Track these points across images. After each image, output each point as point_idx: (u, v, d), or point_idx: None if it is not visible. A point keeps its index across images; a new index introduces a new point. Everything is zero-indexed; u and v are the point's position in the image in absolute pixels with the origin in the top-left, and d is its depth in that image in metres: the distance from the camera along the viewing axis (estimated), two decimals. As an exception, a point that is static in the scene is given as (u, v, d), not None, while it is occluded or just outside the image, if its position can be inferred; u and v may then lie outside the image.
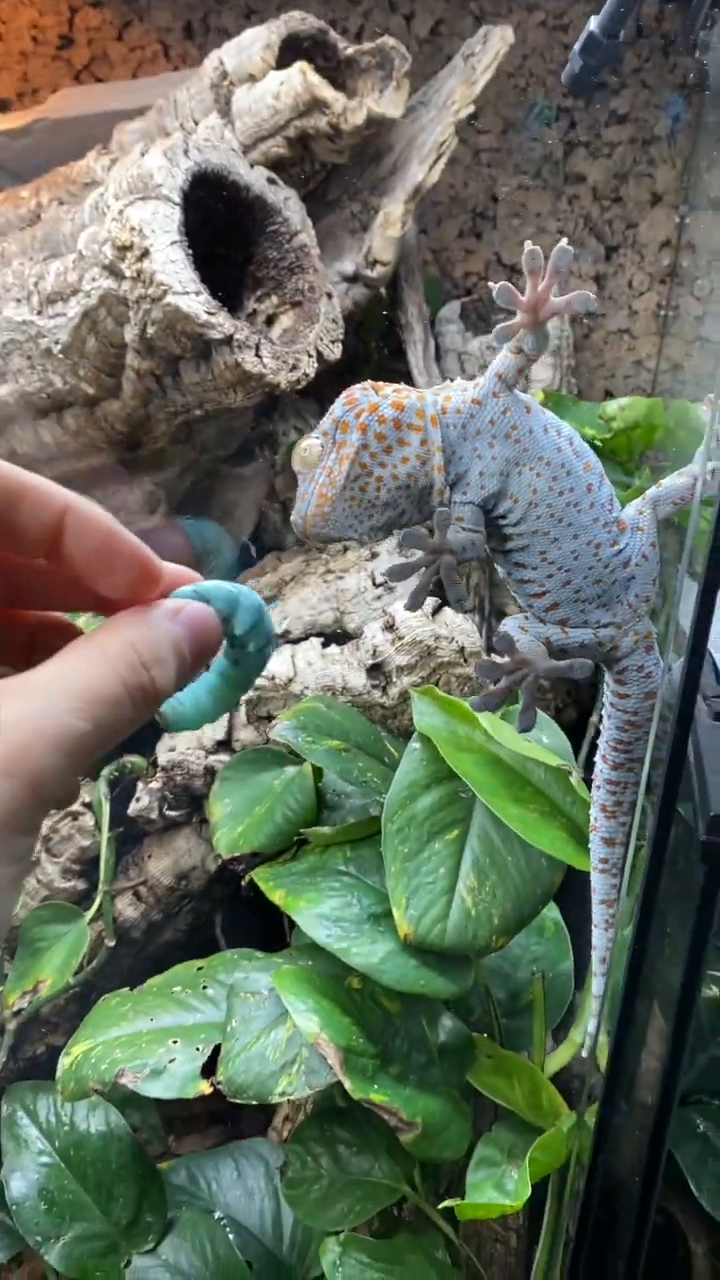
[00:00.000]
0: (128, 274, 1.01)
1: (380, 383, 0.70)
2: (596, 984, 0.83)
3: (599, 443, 1.20)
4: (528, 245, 0.61)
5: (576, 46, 1.03)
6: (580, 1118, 0.99)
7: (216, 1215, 1.15)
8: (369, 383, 0.69)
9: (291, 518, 0.67)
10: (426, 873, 0.94)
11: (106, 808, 1.17)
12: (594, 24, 1.01)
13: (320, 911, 0.95)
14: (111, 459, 1.27)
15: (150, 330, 1.02)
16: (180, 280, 0.99)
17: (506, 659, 0.69)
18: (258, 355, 1.04)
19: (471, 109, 1.22)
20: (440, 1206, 0.89)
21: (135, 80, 1.48)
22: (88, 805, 1.18)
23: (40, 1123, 1.16)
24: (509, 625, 0.71)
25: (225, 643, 0.44)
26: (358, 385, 0.69)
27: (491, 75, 1.24)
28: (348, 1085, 0.89)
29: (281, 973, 0.96)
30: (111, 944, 1.18)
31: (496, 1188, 0.93)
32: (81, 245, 1.06)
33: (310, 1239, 1.16)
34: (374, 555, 1.22)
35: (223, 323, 1.01)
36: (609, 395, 1.39)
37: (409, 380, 1.34)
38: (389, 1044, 0.96)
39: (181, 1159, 1.21)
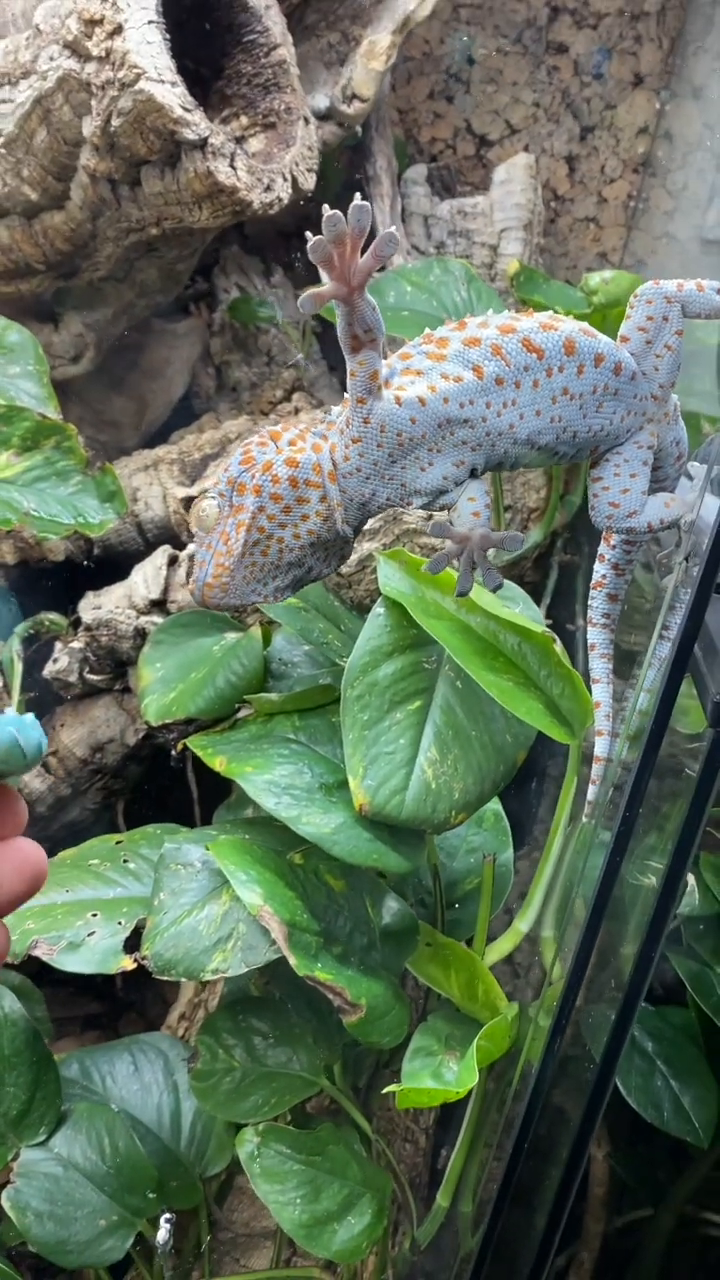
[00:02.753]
0: (94, 53, 0.88)
1: (278, 429, 0.67)
2: (599, 745, 0.83)
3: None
4: (326, 210, 0.59)
5: None
6: (523, 1010, 0.95)
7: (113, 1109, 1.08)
8: (266, 431, 0.67)
9: (189, 585, 0.65)
10: (386, 742, 0.88)
11: (19, 668, 1.06)
12: None
13: (270, 778, 0.88)
14: (42, 286, 1.14)
15: (115, 123, 0.90)
16: (156, 66, 0.87)
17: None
18: (232, 167, 0.93)
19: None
20: (385, 1090, 0.84)
21: None
22: (-4, 664, 1.07)
23: None
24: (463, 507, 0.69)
25: None
26: (255, 438, 0.67)
27: None
28: (292, 961, 0.82)
29: (220, 843, 0.88)
30: (14, 817, 1.08)
31: (434, 1077, 0.88)
32: (39, 19, 0.93)
33: (210, 1135, 1.10)
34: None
35: (199, 122, 0.90)
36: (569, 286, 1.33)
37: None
38: (331, 923, 0.90)
39: (73, 1053, 1.13)
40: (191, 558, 1.01)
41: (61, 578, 1.17)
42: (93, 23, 0.88)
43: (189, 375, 1.38)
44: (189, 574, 1.02)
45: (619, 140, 1.37)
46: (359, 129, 1.19)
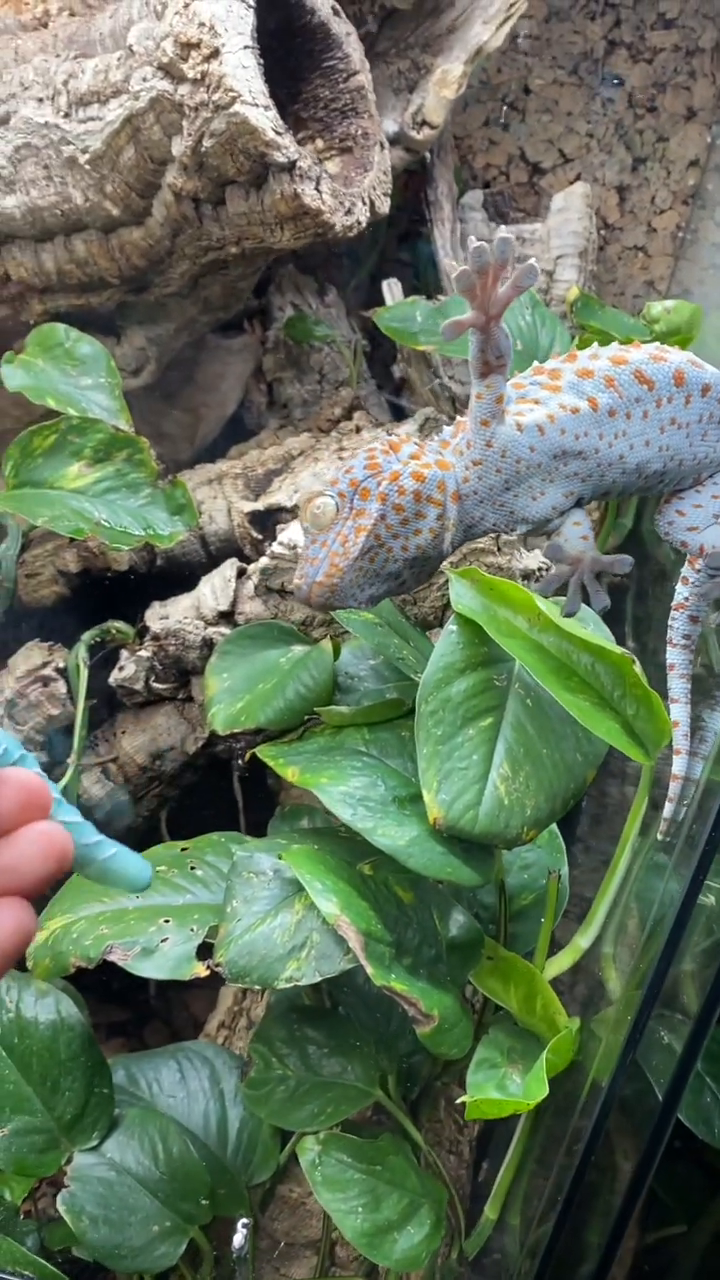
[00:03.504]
0: (189, 76, 0.90)
1: (396, 439, 0.70)
2: (678, 763, 0.85)
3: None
4: (472, 241, 0.60)
5: None
6: (584, 1024, 0.96)
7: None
8: (386, 440, 0.70)
9: (295, 580, 0.67)
10: (459, 758, 0.89)
11: (84, 674, 1.07)
12: None
13: (346, 790, 0.89)
14: (111, 300, 1.16)
15: (206, 144, 0.92)
16: (251, 90, 0.89)
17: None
18: (317, 190, 0.95)
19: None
20: (459, 1101, 0.85)
21: None
22: (61, 671, 1.08)
23: (-20, 1007, 1.06)
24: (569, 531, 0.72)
25: None
26: (378, 443, 0.69)
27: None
28: (370, 971, 0.83)
29: (294, 852, 0.89)
30: (73, 822, 1.09)
31: (499, 1089, 0.89)
32: (133, 41, 0.95)
33: (257, 1144, 1.11)
34: (391, 432, 1.15)
35: (288, 145, 0.92)
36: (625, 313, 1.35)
37: (433, 263, 1.26)
38: (402, 934, 0.91)
39: (119, 1059, 1.14)
40: (262, 570, 1.03)
41: (121, 587, 1.18)
42: (190, 46, 0.90)
43: (242, 390, 1.40)
44: (260, 576, 1.04)
45: (670, 172, 1.40)
46: (430, 154, 1.21)
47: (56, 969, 0.92)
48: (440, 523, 0.65)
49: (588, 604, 0.72)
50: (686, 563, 0.82)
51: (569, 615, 0.71)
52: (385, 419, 1.36)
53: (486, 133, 1.41)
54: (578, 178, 1.41)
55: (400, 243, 1.42)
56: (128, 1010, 1.58)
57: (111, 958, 0.90)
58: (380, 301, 1.33)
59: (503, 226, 1.32)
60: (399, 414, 1.40)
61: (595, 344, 0.72)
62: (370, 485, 0.65)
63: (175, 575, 1.16)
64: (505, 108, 1.40)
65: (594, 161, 1.41)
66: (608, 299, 1.44)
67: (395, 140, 1.17)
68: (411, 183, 1.35)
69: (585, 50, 1.36)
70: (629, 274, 1.44)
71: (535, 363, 0.70)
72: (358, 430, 1.17)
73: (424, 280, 1.40)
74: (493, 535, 1.03)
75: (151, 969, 0.90)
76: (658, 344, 0.71)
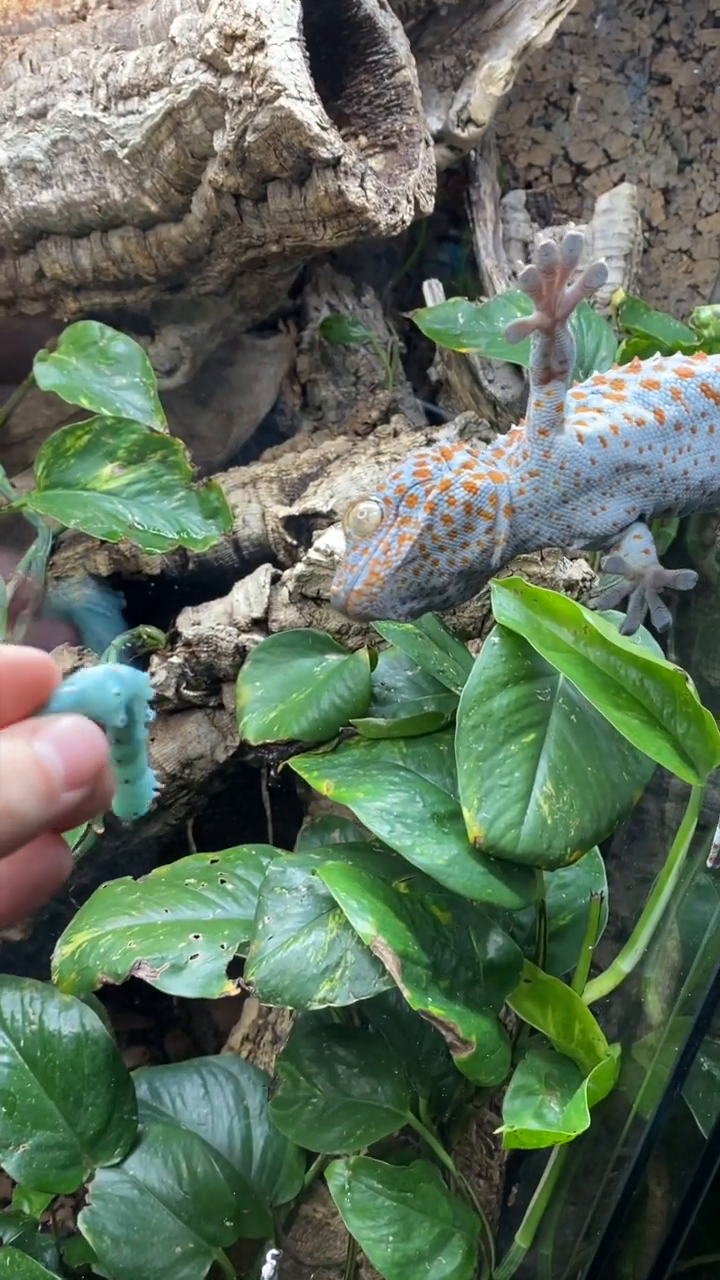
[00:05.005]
0: (233, 69, 0.88)
1: (449, 448, 0.67)
2: None
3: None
4: (540, 239, 0.57)
5: None
6: (626, 1051, 0.93)
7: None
8: (438, 448, 0.67)
9: (332, 587, 0.64)
10: (501, 775, 0.86)
11: (115, 680, 1.05)
12: None
13: (383, 805, 0.86)
14: (146, 299, 1.14)
15: (249, 139, 0.89)
16: (296, 83, 0.87)
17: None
18: (362, 187, 0.93)
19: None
20: (497, 1131, 0.82)
21: None
22: (91, 676, 1.06)
23: (3, 1019, 1.04)
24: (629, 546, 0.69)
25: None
26: (429, 451, 0.66)
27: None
28: (406, 995, 0.80)
29: (329, 868, 0.86)
30: (100, 831, 1.07)
31: (536, 1117, 0.86)
32: (175, 33, 0.93)
33: (281, 1163, 1.08)
34: (430, 441, 1.13)
35: (334, 140, 0.89)
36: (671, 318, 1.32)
37: (474, 265, 1.24)
38: (438, 956, 0.88)
39: (142, 1072, 1.11)
40: (297, 577, 1.00)
41: (152, 590, 1.16)
42: (234, 38, 0.87)
43: (276, 391, 1.38)
44: (295, 583, 1.01)
45: (717, 174, 1.37)
46: (474, 152, 1.19)
47: (83, 984, 0.90)
48: (490, 537, 0.62)
49: (648, 621, 0.69)
50: None
51: (628, 633, 0.68)
52: (421, 422, 1.33)
53: (529, 132, 1.38)
54: (622, 179, 1.38)
55: (439, 243, 1.39)
56: (148, 1018, 1.56)
57: (139, 974, 0.87)
58: (418, 302, 1.30)
59: (548, 228, 1.29)
60: (434, 417, 1.37)
61: (657, 354, 0.69)
62: (418, 493, 0.62)
63: (206, 580, 1.14)
64: (549, 106, 1.37)
65: (639, 162, 1.38)
66: (650, 302, 1.41)
67: (439, 138, 1.14)
68: (451, 182, 1.32)
69: (633, 48, 1.33)
70: (673, 277, 1.40)
71: (595, 372, 0.67)
72: (395, 434, 1.14)
73: (461, 281, 1.37)
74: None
75: (181, 986, 0.87)
76: None
